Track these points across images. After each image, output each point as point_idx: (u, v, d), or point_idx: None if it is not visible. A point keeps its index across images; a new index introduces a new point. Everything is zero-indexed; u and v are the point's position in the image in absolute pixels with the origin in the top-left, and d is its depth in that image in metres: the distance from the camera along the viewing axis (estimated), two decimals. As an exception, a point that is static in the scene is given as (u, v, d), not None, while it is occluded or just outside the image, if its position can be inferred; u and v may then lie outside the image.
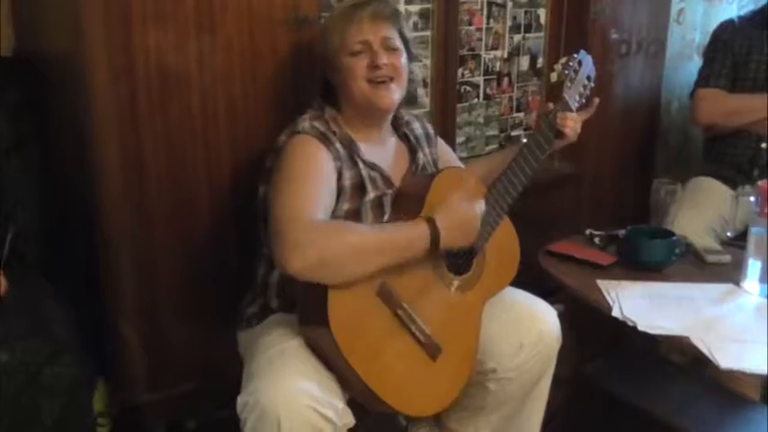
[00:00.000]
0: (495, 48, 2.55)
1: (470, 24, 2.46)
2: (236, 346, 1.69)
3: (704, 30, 2.91)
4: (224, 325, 1.72)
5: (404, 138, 1.79)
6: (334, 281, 1.39)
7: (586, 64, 1.79)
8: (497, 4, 2.51)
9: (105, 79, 1.62)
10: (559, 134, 1.72)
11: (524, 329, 1.65)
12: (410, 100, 1.76)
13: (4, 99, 1.75)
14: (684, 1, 2.95)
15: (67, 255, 1.87)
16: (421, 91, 2.38)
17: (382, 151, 1.71)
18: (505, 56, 2.59)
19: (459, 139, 2.52)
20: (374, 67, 1.62)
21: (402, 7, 2.27)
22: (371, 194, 1.61)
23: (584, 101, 1.79)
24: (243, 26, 1.75)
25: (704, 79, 2.54)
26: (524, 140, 1.78)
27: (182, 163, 1.74)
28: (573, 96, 1.75)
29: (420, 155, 1.77)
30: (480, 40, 2.50)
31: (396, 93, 1.65)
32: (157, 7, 1.63)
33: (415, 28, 2.32)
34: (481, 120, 2.58)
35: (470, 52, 2.49)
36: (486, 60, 2.54)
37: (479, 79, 2.54)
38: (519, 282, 1.73)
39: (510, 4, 2.55)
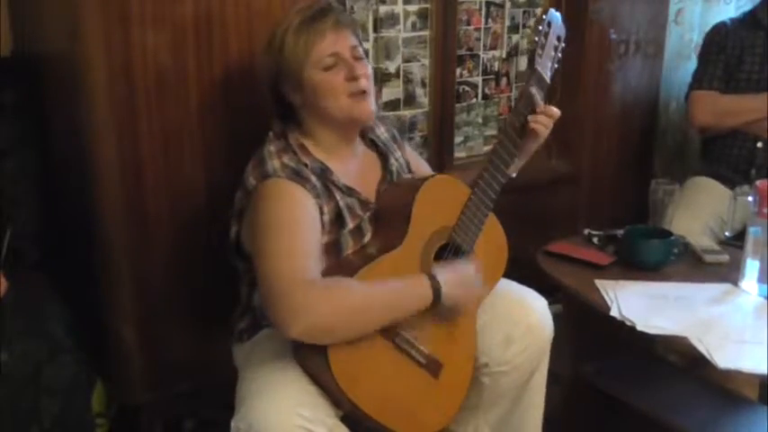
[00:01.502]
0: (493, 48, 2.55)
1: (469, 24, 2.46)
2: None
3: (702, 30, 2.90)
4: (221, 325, 1.71)
5: (371, 145, 1.69)
6: (335, 342, 1.36)
7: (555, 24, 1.65)
8: (496, 4, 2.51)
9: (103, 80, 1.62)
10: (530, 132, 1.61)
11: (513, 322, 1.63)
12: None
13: (2, 100, 1.75)
14: (683, 1, 2.95)
15: (67, 255, 1.87)
16: (419, 91, 2.39)
17: (355, 167, 1.62)
18: (504, 56, 2.59)
19: (458, 139, 2.52)
20: (353, 79, 1.52)
21: (400, 7, 2.27)
22: (350, 225, 1.54)
23: (556, 65, 1.67)
24: (241, 26, 1.75)
25: (698, 81, 2.55)
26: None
27: (179, 163, 1.74)
28: (545, 65, 1.63)
29: (392, 160, 1.68)
30: (479, 39, 2.50)
31: (373, 103, 1.57)
32: (156, 8, 1.63)
33: (414, 28, 2.32)
34: (480, 120, 2.58)
35: (469, 52, 2.49)
36: (485, 60, 2.54)
37: (478, 79, 2.54)
38: (516, 280, 1.72)
39: (508, 4, 2.55)
